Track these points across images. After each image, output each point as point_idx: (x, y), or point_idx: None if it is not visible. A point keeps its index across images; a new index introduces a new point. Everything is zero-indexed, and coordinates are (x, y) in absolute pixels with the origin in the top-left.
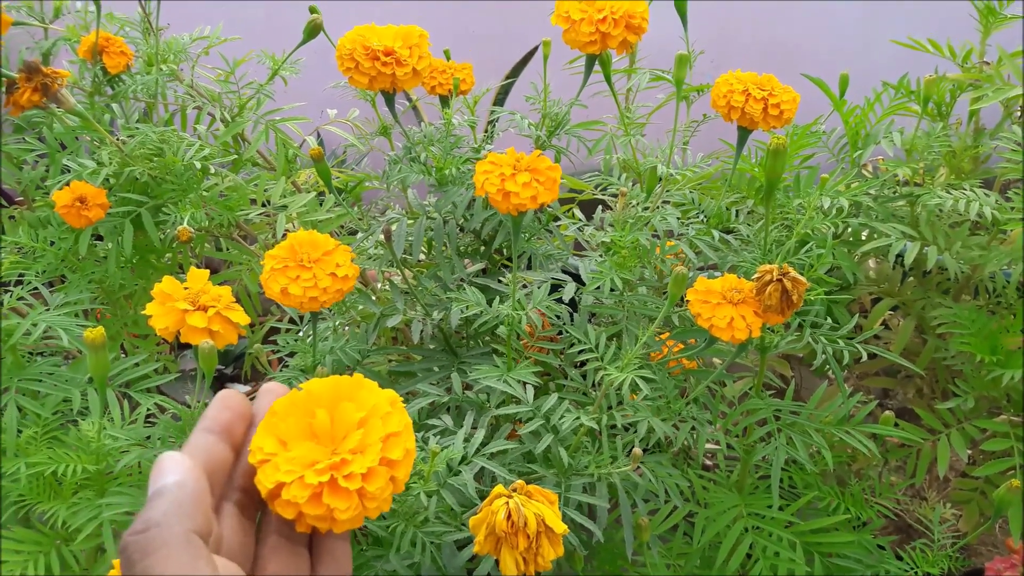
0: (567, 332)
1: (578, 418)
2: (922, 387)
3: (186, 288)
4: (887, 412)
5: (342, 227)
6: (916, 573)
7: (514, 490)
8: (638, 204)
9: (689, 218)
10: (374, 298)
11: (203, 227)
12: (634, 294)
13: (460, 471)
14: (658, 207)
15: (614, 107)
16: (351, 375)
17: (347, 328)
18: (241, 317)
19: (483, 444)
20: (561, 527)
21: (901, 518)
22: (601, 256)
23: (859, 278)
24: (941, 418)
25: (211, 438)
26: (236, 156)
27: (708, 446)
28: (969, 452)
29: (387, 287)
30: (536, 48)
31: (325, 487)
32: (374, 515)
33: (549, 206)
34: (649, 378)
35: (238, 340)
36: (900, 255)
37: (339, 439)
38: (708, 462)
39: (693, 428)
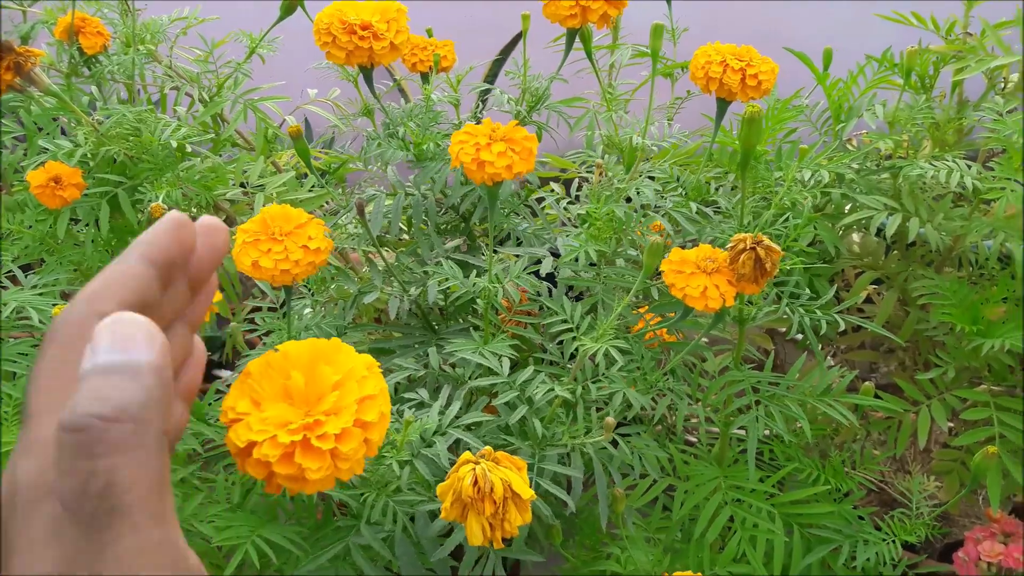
0: (545, 306)
1: (552, 389)
2: (904, 360)
3: None
4: (867, 383)
5: (324, 208)
6: (894, 542)
7: (482, 456)
8: (614, 177)
9: (668, 192)
10: (356, 278)
11: (182, 207)
12: (612, 267)
13: (434, 442)
14: (636, 180)
15: (598, 85)
16: None
17: (325, 306)
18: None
19: (458, 416)
20: (528, 493)
21: (885, 491)
22: (578, 229)
23: (842, 251)
24: (923, 389)
25: (150, 273)
26: (215, 136)
27: (691, 422)
28: (951, 425)
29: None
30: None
31: (298, 447)
32: (346, 476)
33: (530, 182)
34: (623, 348)
35: (216, 322)
36: (883, 229)
37: (314, 401)
38: (692, 438)
39: (672, 402)
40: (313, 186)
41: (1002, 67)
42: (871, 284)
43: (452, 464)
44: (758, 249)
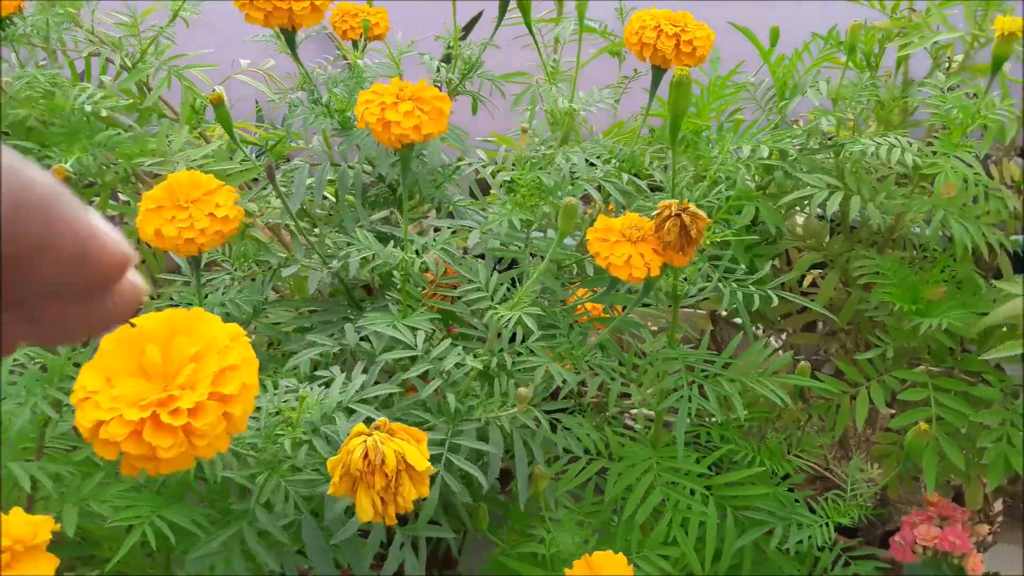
0: (463, 276)
1: (463, 360)
2: (846, 343)
3: None
4: (803, 363)
5: (256, 181)
6: (827, 524)
7: (376, 428)
8: (543, 143)
9: (601, 162)
10: (278, 252)
11: (92, 174)
12: (541, 238)
13: (334, 418)
14: (566, 147)
15: (547, 63)
16: (245, 325)
17: (244, 281)
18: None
19: (362, 389)
20: (424, 465)
21: (829, 479)
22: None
23: (784, 232)
24: (862, 371)
25: None
26: (139, 106)
27: (626, 403)
28: (892, 412)
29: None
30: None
31: (147, 424)
32: (207, 453)
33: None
34: (544, 319)
35: None
36: (825, 209)
37: (171, 376)
38: (634, 424)
39: (604, 382)
40: (243, 159)
41: (947, 46)
42: (815, 268)
43: None
44: (683, 216)
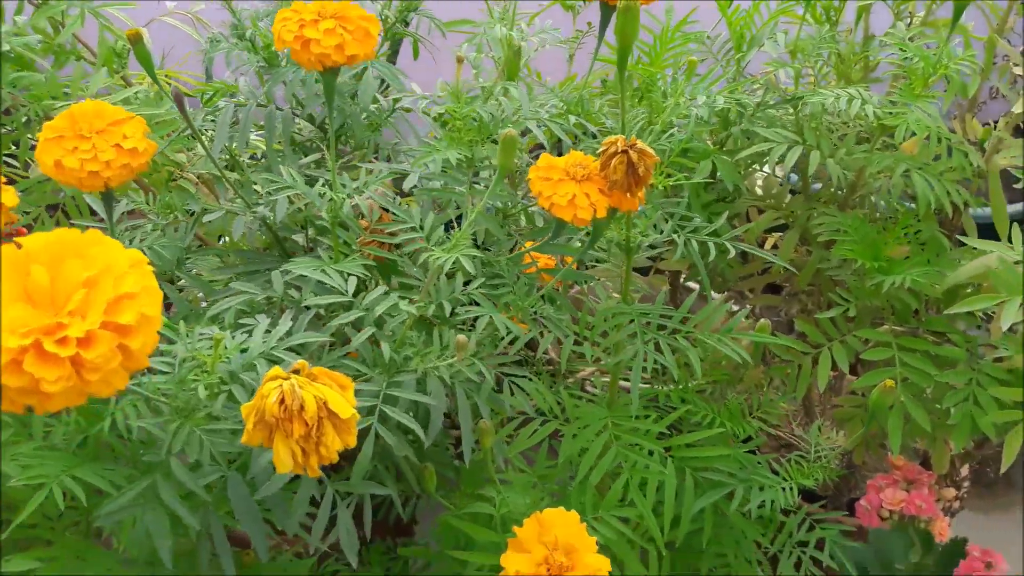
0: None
1: (395, 305)
2: (807, 304)
3: None
4: (763, 320)
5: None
6: (791, 488)
7: (295, 372)
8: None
9: (546, 104)
10: (202, 197)
11: (15, 123)
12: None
13: (254, 365)
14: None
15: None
16: (167, 278)
17: (166, 229)
18: (9, 198)
19: (289, 336)
20: (348, 412)
21: (794, 445)
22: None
23: (743, 190)
24: (824, 331)
25: None
26: (49, 44)
27: (585, 373)
28: (853, 379)
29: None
30: None
31: (29, 353)
32: (101, 390)
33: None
34: (483, 262)
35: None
36: (787, 173)
37: (61, 303)
38: (594, 391)
39: (556, 339)
40: (170, 106)
41: (908, 0)
42: (775, 232)
43: None
44: (630, 153)
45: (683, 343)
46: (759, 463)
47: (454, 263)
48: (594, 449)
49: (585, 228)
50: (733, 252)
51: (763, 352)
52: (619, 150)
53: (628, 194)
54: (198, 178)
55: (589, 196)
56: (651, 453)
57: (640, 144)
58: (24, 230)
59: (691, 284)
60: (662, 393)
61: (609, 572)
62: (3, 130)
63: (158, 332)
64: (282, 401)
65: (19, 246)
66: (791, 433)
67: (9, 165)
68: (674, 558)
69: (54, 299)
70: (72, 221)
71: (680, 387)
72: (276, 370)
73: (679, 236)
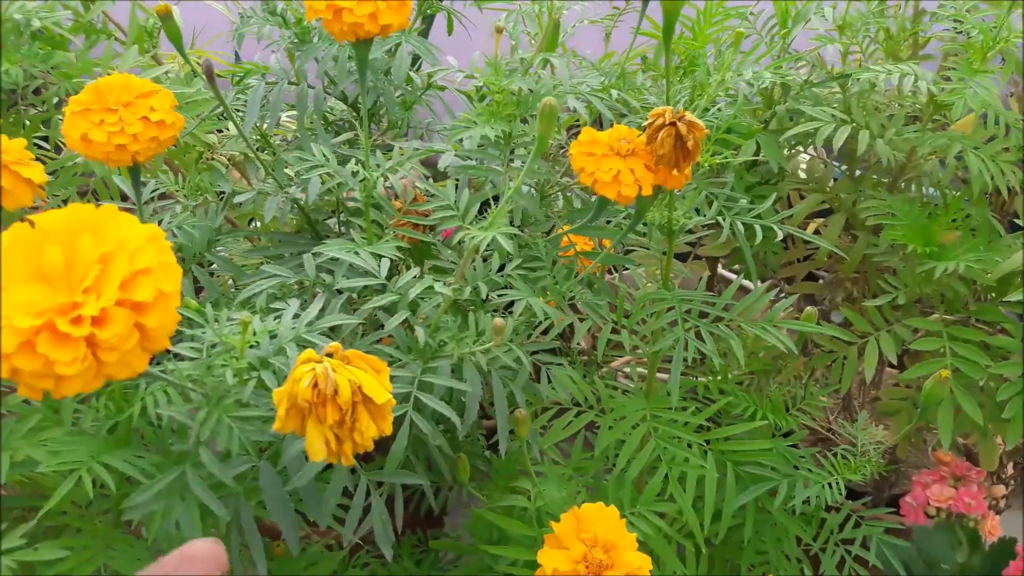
0: (431, 198)
1: (430, 288)
2: (852, 291)
3: None
4: (809, 308)
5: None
6: (837, 483)
7: (329, 355)
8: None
9: (587, 79)
10: (233, 178)
11: (22, 87)
12: (521, 156)
13: (285, 349)
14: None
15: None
16: (196, 260)
17: (196, 210)
18: (36, 174)
19: (318, 319)
20: (384, 397)
21: (831, 439)
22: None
23: (786, 171)
24: (870, 320)
25: None
26: (79, 24)
27: (618, 363)
28: (895, 371)
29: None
30: None
31: (42, 333)
32: (119, 372)
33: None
34: (521, 244)
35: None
36: (833, 155)
37: (76, 281)
38: (628, 383)
39: (594, 326)
40: (202, 87)
41: None
42: (816, 217)
43: None
44: (679, 125)
45: (726, 332)
46: (802, 457)
47: (491, 243)
48: (632, 441)
49: (625, 210)
50: (781, 236)
51: (804, 343)
52: (667, 122)
53: (675, 170)
54: (228, 160)
55: (634, 172)
56: (690, 446)
57: (689, 116)
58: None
59: (726, 273)
60: (700, 384)
61: (650, 570)
62: (33, 111)
63: (185, 316)
64: (315, 385)
65: (32, 224)
66: (827, 427)
67: (40, 147)
68: (712, 554)
69: (69, 278)
70: (101, 204)
71: (719, 378)
72: (309, 353)
73: (725, 218)
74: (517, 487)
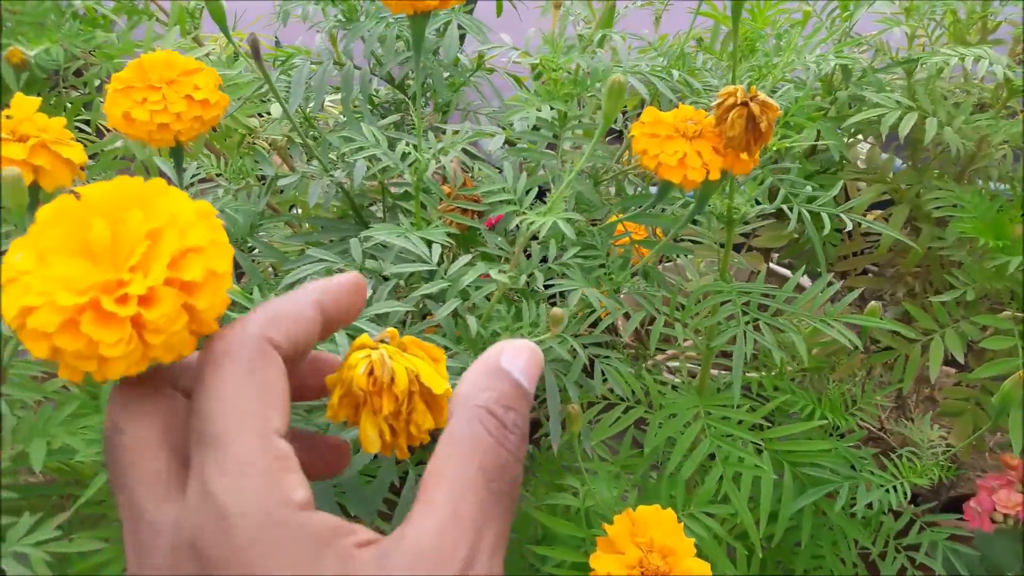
0: (483, 182)
1: (486, 275)
2: (914, 286)
3: (7, 117)
4: (873, 303)
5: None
6: (901, 484)
7: (382, 341)
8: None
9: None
10: (276, 162)
11: (63, 65)
12: (574, 136)
13: (333, 337)
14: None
15: None
16: (238, 245)
17: (237, 193)
18: (76, 154)
19: (368, 307)
20: (442, 387)
21: (883, 439)
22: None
23: (847, 160)
24: (935, 317)
25: (318, 321)
26: (121, 4)
27: (664, 357)
28: (952, 370)
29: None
30: None
31: (86, 312)
32: (166, 355)
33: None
34: (578, 227)
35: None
36: (891, 145)
37: (122, 258)
38: (674, 378)
39: (647, 317)
40: (242, 70)
41: None
42: (874, 208)
43: None
44: (751, 105)
45: (787, 326)
46: (864, 458)
47: (550, 228)
48: (685, 439)
49: (683, 197)
50: (849, 226)
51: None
52: (738, 102)
53: (745, 154)
54: (270, 145)
55: (701, 155)
56: (746, 445)
57: (762, 96)
58: None
59: (777, 267)
60: (754, 380)
61: None
62: (75, 94)
63: (232, 299)
64: (371, 372)
65: (78, 196)
66: (880, 426)
67: (81, 131)
68: (764, 557)
69: (116, 255)
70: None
71: (773, 374)
72: (364, 339)
73: (792, 206)
74: (563, 484)
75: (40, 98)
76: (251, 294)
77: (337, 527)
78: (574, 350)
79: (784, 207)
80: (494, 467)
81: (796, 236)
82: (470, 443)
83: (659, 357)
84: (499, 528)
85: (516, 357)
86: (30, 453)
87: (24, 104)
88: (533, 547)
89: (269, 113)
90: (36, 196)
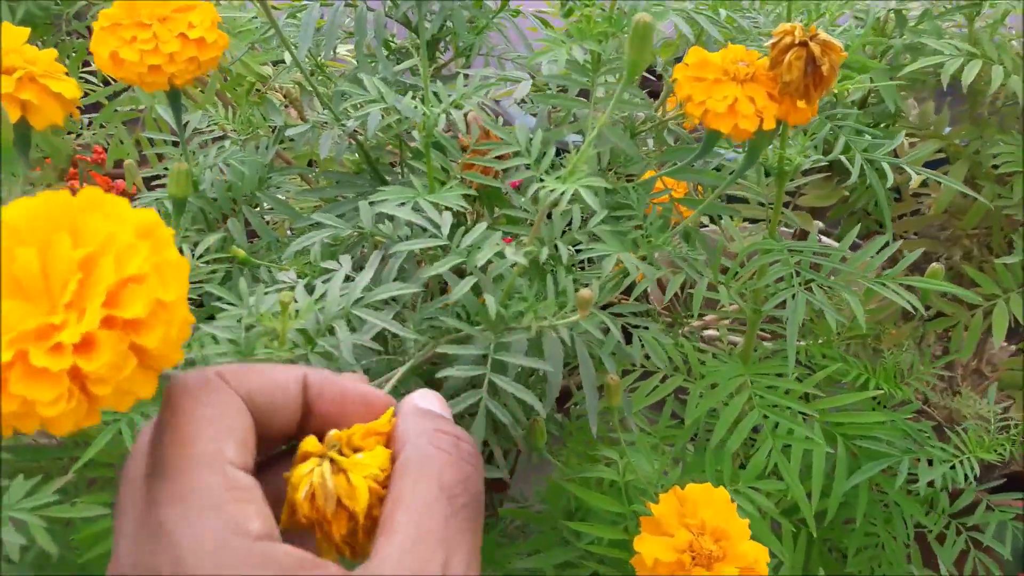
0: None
1: (501, 252)
2: (971, 248)
3: None
4: (935, 265)
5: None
6: (968, 460)
7: (332, 446)
8: None
9: None
10: (286, 112)
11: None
12: (606, 83)
13: (333, 328)
14: None
15: None
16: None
17: (245, 144)
18: (69, 88)
19: (370, 289)
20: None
21: (927, 414)
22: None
23: (902, 112)
24: (998, 280)
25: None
26: None
27: (699, 324)
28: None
29: None
30: None
31: (14, 368)
32: (117, 404)
33: None
34: (601, 188)
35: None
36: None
37: (57, 292)
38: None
39: (688, 280)
40: (254, 17)
41: None
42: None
43: (357, 361)
44: (811, 45)
45: (843, 287)
46: (924, 433)
47: (571, 197)
48: (731, 410)
49: (729, 149)
50: (914, 178)
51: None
52: (796, 41)
53: (803, 100)
54: (286, 97)
55: (754, 101)
56: (795, 417)
57: (823, 35)
58: (101, 149)
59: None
60: (801, 349)
61: (768, 564)
62: (79, 40)
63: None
64: (312, 497)
65: None
66: (924, 399)
67: (87, 81)
68: (810, 534)
69: (48, 288)
70: (148, 135)
71: (819, 342)
72: (310, 442)
73: (853, 156)
74: (600, 456)
75: (29, 28)
76: (258, 257)
77: (302, 559)
78: (606, 325)
79: (843, 158)
80: (455, 482)
81: (846, 194)
82: (427, 464)
83: (695, 324)
84: (469, 543)
85: (425, 399)
86: None
87: (12, 34)
88: (567, 522)
89: (283, 61)
90: (27, 135)
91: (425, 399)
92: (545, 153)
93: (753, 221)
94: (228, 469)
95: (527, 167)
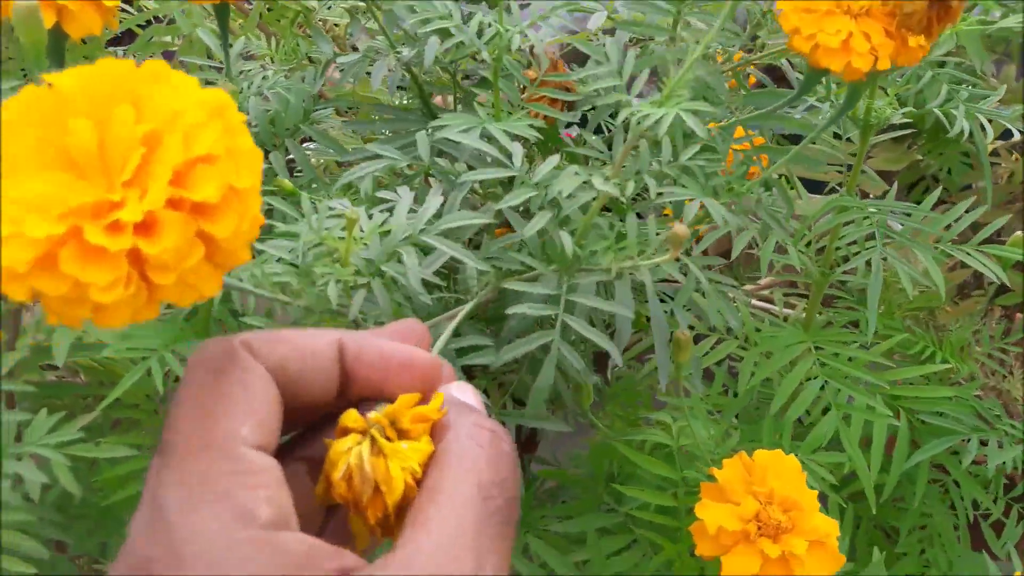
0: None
1: (587, 182)
2: None
3: None
4: (1019, 233)
5: None
6: None
7: (374, 424)
8: None
9: None
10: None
11: None
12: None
13: (399, 254)
14: None
15: None
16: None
17: (290, 73)
18: None
19: (438, 216)
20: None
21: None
22: None
23: (986, 74)
24: None
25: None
26: None
27: (753, 287)
28: None
29: None
30: None
31: (67, 245)
32: (180, 298)
33: None
34: (701, 113)
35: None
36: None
37: (115, 170)
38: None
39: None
40: None
41: None
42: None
43: (427, 290)
44: None
45: (924, 249)
46: (995, 411)
47: (670, 123)
48: (793, 378)
49: (817, 95)
50: (1018, 133)
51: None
52: None
53: (925, 35)
54: (328, 32)
55: (870, 37)
56: (858, 382)
57: None
58: None
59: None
60: (861, 317)
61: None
62: None
63: (270, 207)
64: (349, 478)
65: (50, 86)
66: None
67: (121, 9)
68: (859, 510)
69: (105, 164)
70: (186, 58)
71: (881, 311)
72: (351, 416)
73: (956, 106)
74: (651, 419)
75: None
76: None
77: (315, 548)
78: (686, 268)
79: (942, 109)
80: (492, 483)
81: (919, 158)
82: (465, 459)
83: (748, 288)
84: (502, 548)
85: (461, 391)
86: (53, 346)
87: None
88: (617, 487)
89: None
90: (61, 44)
91: (462, 391)
92: (638, 76)
93: (813, 187)
94: (241, 450)
95: (615, 88)
